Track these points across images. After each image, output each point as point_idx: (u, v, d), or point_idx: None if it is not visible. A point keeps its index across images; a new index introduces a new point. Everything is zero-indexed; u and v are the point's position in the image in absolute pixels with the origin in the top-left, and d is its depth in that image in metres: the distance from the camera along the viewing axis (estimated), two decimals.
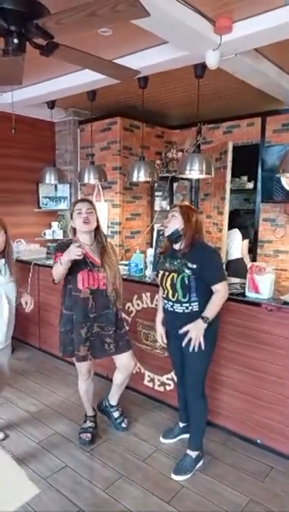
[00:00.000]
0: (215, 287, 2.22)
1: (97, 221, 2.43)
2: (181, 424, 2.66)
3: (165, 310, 2.40)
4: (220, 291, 2.22)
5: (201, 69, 3.06)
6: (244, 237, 4.39)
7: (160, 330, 2.52)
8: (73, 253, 2.18)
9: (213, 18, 2.50)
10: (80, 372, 2.58)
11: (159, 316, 2.51)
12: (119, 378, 2.67)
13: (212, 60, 2.73)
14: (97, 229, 2.45)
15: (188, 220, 2.25)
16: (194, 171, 3.23)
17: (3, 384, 2.63)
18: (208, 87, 3.72)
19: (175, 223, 2.26)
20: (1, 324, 2.18)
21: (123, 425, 2.77)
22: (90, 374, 2.61)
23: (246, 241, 4.39)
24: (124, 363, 2.61)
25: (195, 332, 2.20)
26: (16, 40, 1.83)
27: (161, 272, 2.35)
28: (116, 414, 2.79)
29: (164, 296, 2.35)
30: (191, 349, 2.22)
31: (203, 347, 2.22)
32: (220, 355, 2.68)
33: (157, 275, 2.43)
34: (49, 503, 2.09)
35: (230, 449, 2.59)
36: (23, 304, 2.42)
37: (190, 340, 2.22)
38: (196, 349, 2.21)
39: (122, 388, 2.74)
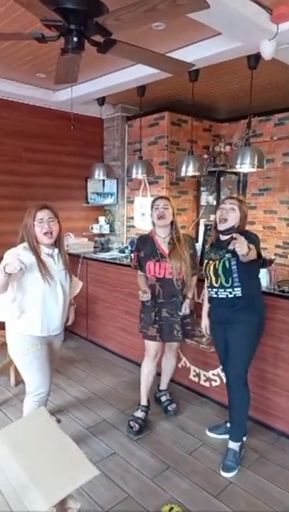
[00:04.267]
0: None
1: (173, 216, 2.57)
2: (229, 425, 2.62)
3: (210, 299, 2.43)
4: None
5: (254, 60, 2.98)
6: None
7: (205, 321, 2.56)
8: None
9: (270, 6, 2.42)
10: (147, 353, 2.73)
11: (205, 307, 2.56)
12: (165, 365, 2.92)
13: (267, 50, 2.64)
14: (172, 223, 2.59)
15: (245, 217, 2.29)
16: (245, 165, 3.16)
17: (53, 369, 2.74)
18: (260, 78, 3.61)
19: (234, 218, 2.25)
20: (57, 311, 2.23)
21: (169, 408, 2.90)
22: (156, 357, 2.73)
23: None
24: (171, 347, 2.82)
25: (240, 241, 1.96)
26: (75, 39, 1.89)
27: (205, 261, 2.39)
28: (163, 398, 2.96)
29: (208, 284, 2.37)
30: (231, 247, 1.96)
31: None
32: (268, 353, 2.63)
33: (201, 264, 2.48)
34: (100, 488, 2.17)
35: (279, 450, 2.53)
36: (68, 318, 2.48)
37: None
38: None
39: (169, 374, 2.96)
